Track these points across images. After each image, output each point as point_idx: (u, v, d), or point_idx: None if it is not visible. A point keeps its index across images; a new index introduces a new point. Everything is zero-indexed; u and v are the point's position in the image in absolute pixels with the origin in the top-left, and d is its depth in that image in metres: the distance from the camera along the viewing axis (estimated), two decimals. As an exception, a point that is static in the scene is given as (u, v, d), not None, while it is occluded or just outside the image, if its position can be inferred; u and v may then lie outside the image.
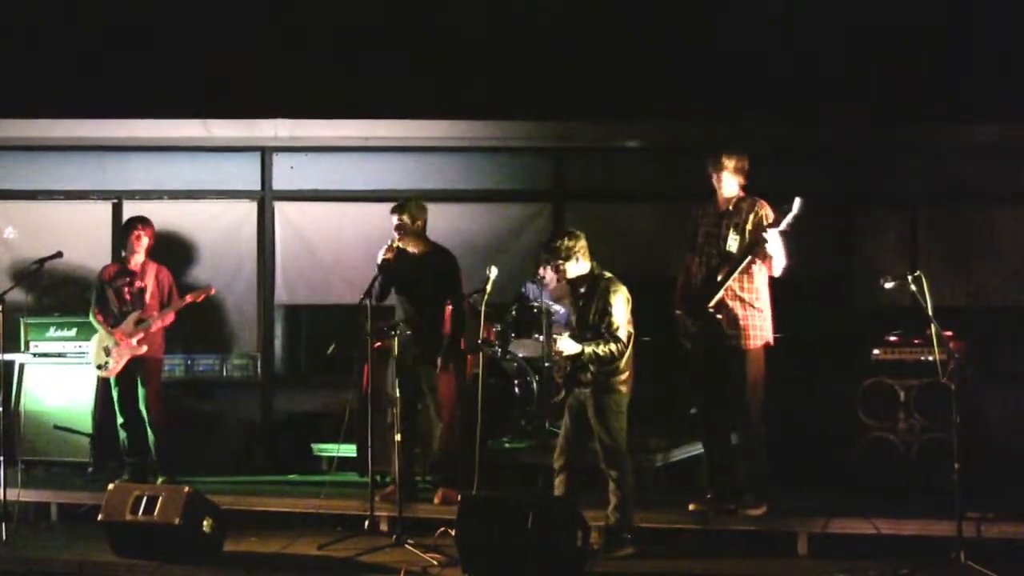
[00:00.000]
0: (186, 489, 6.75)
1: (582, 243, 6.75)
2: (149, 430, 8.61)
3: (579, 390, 6.71)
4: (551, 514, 6.17)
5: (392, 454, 7.52)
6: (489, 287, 7.28)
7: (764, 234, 6.80)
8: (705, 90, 9.71)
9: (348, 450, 8.51)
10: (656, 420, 8.64)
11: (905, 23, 9.64)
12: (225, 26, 10.22)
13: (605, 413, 6.65)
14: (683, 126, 9.76)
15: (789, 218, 6.77)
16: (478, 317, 7.50)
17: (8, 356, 7.79)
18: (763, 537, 6.92)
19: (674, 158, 9.60)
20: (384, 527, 7.19)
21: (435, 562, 6.50)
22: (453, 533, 6.39)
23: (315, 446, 9.19)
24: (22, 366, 9.27)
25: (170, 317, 8.70)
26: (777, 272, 6.98)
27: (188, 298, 8.76)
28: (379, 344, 7.75)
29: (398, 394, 7.25)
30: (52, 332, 9.31)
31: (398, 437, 7.29)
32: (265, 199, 10.27)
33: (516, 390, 8.45)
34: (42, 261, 8.27)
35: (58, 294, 10.03)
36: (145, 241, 8.73)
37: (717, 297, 6.92)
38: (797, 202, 6.74)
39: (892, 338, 7.96)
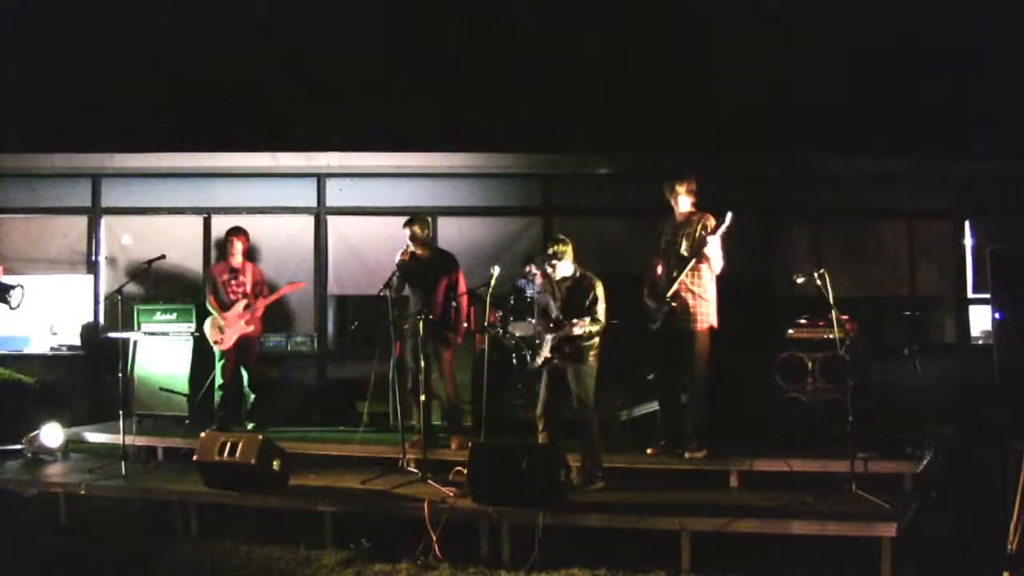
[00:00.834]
0: (260, 437, 6.75)
1: (570, 248, 6.76)
2: (249, 390, 8.65)
3: (559, 360, 6.71)
4: (539, 457, 6.18)
5: (415, 411, 7.54)
6: (492, 282, 7.28)
7: (707, 238, 6.82)
8: (662, 127, 9.75)
9: (382, 407, 8.51)
10: (622, 384, 8.64)
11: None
12: (287, 79, 10.27)
13: (581, 376, 6.65)
14: (645, 156, 9.76)
15: (723, 228, 6.81)
16: (484, 306, 7.50)
17: (125, 334, 7.78)
18: (704, 474, 6.91)
19: (639, 181, 9.58)
20: (412, 467, 7.20)
21: (451, 494, 6.48)
22: (465, 472, 6.42)
23: (358, 403, 9.18)
24: (135, 342, 9.26)
25: (268, 302, 8.76)
26: (716, 271, 6.99)
27: (285, 289, 8.80)
28: (406, 325, 7.75)
29: (420, 364, 7.25)
30: (158, 316, 9.30)
31: (422, 398, 7.30)
32: (320, 214, 10.26)
33: (514, 361, 8.45)
34: (150, 262, 8.31)
35: (162, 287, 10.02)
36: (240, 246, 8.79)
37: (673, 289, 6.93)
38: (729, 216, 6.79)
39: (802, 321, 7.93)
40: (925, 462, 6.71)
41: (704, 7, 10.34)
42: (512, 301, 8.74)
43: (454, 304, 7.68)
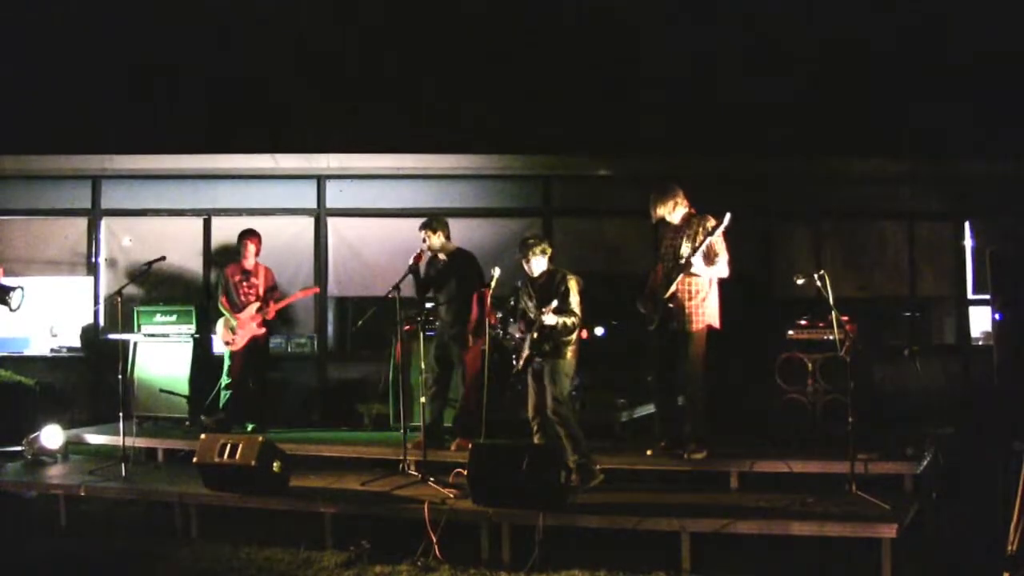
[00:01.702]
0: (260, 438, 6.76)
1: (547, 245, 6.89)
2: (258, 390, 8.67)
3: (538, 360, 6.75)
4: (540, 458, 6.17)
5: (419, 412, 7.54)
6: (493, 284, 7.26)
7: (710, 236, 6.81)
8: (657, 130, 9.75)
9: (383, 408, 8.51)
10: (622, 386, 8.64)
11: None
12: (287, 81, 10.26)
13: (557, 373, 6.70)
14: (642, 159, 9.77)
15: (722, 228, 6.80)
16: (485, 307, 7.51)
17: (125, 336, 7.79)
18: (704, 475, 6.92)
19: (635, 183, 9.58)
20: (412, 469, 7.19)
21: (451, 495, 6.50)
22: (465, 473, 6.41)
23: (358, 405, 9.20)
24: (135, 344, 9.28)
25: (281, 306, 8.76)
26: (725, 273, 6.95)
27: (299, 293, 8.82)
28: (409, 327, 7.74)
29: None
30: (158, 318, 9.31)
31: (423, 400, 7.30)
32: (320, 215, 10.25)
33: (514, 363, 8.44)
34: (150, 263, 8.29)
35: (162, 289, 10.03)
36: (252, 248, 8.82)
37: (670, 290, 6.93)
38: (728, 215, 6.78)
39: (802, 322, 7.95)
40: (925, 463, 6.71)
41: (704, 7, 10.35)
42: (512, 302, 8.72)
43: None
